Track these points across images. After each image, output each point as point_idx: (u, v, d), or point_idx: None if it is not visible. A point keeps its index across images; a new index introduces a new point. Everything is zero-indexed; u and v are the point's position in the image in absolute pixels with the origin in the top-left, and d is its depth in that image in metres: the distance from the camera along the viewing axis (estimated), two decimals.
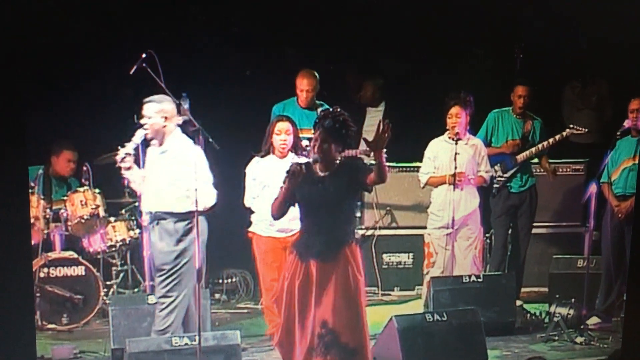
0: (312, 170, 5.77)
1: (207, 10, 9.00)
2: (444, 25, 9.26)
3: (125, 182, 7.26)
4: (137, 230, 7.79)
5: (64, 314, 7.90)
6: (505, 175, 8.49)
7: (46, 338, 7.58)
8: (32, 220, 7.76)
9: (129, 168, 6.64)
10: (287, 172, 5.73)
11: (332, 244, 5.72)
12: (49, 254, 7.99)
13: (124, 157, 6.58)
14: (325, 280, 5.67)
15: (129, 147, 6.60)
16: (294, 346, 5.75)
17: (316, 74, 8.33)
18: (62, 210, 8.07)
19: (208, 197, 6.57)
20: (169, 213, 6.57)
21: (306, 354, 5.68)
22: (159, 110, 6.60)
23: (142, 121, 6.62)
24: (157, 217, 6.60)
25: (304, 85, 8.29)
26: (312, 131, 5.86)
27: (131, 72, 6.89)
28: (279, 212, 5.88)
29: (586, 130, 8.50)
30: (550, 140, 8.44)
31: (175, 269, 6.57)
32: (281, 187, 5.81)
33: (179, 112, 8.05)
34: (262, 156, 7.40)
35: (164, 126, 6.62)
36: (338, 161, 5.75)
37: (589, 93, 9.99)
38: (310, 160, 5.74)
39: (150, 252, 6.73)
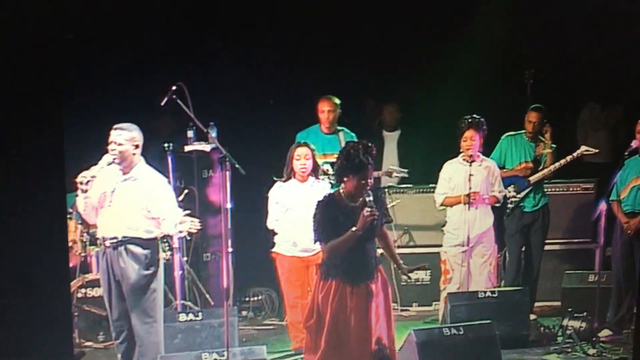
0: (343, 201, 5.92)
1: (231, 47, 9.26)
2: (456, 51, 9.48)
3: (76, 208, 7.13)
4: (169, 252, 7.96)
5: (100, 332, 8.08)
6: (518, 195, 8.62)
7: (83, 355, 7.79)
8: (70, 244, 8.02)
9: (85, 191, 6.51)
10: (360, 228, 5.80)
11: (371, 264, 5.97)
12: (86, 275, 8.16)
13: (89, 181, 6.47)
14: (370, 299, 5.88)
15: (95, 170, 6.51)
16: None
17: (337, 99, 8.61)
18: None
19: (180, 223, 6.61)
20: (137, 239, 6.59)
21: None
22: (130, 138, 6.58)
23: (110, 147, 6.56)
24: (124, 243, 6.58)
25: (325, 106, 8.58)
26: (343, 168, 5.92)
27: (162, 104, 7.13)
28: (337, 252, 5.94)
29: (597, 150, 8.63)
30: (562, 161, 8.57)
31: (149, 292, 6.61)
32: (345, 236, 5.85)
33: (208, 140, 8.33)
34: (284, 181, 7.66)
35: (134, 154, 6.62)
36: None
37: (607, 114, 10.16)
38: (369, 199, 5.80)
39: (111, 278, 6.68)
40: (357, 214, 5.85)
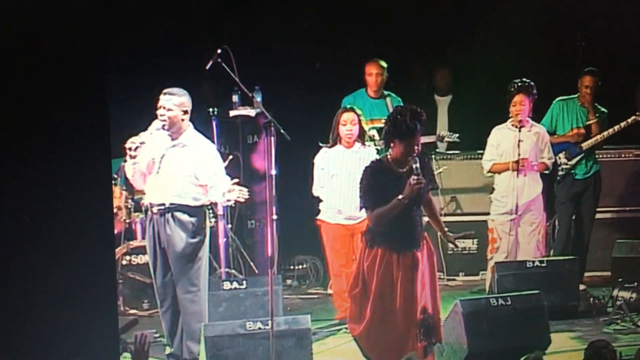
0: (391, 166, 5.86)
1: (278, 7, 9.21)
2: (505, 13, 9.33)
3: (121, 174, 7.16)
4: (213, 219, 7.66)
5: (144, 300, 8.10)
6: (570, 162, 8.51)
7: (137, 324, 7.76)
8: (114, 211, 8.03)
9: (134, 157, 6.50)
10: (407, 196, 5.73)
11: (417, 232, 5.94)
12: (131, 242, 8.19)
13: (137, 147, 6.46)
14: (416, 268, 5.85)
15: (144, 136, 6.49)
16: (381, 337, 5.89)
17: (383, 62, 8.51)
18: (143, 200, 8.09)
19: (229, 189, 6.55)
20: (185, 206, 6.54)
21: (403, 342, 5.84)
22: (179, 104, 6.51)
23: (159, 112, 6.50)
24: (171, 210, 6.54)
25: (372, 69, 8.46)
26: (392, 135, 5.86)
27: (207, 67, 7.10)
28: (383, 221, 5.88)
29: None
30: (616, 127, 8.45)
31: (194, 261, 6.58)
32: (392, 204, 5.77)
33: (253, 105, 8.31)
34: (330, 146, 7.60)
35: (183, 120, 6.55)
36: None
37: None
38: (416, 166, 5.74)
39: (157, 245, 6.66)
40: (404, 180, 5.79)
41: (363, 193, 5.88)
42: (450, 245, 6.48)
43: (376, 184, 5.83)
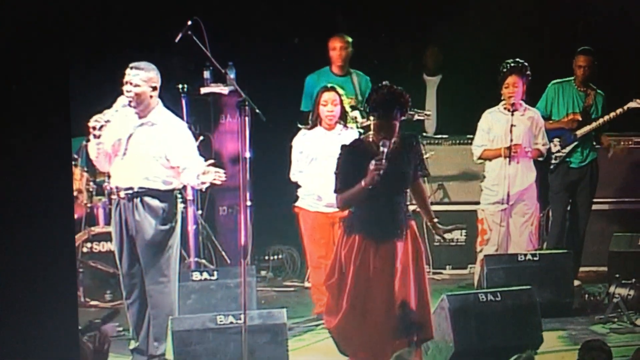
0: (371, 146, 5.66)
1: None
2: None
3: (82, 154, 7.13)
4: (182, 205, 7.54)
5: (107, 291, 7.94)
6: (564, 150, 8.35)
7: (89, 315, 7.33)
8: (75, 194, 7.79)
9: (98, 137, 6.26)
10: (368, 183, 5.53)
11: (399, 220, 5.73)
12: (92, 228, 7.99)
13: (102, 125, 6.21)
14: (397, 258, 5.66)
15: (109, 114, 6.25)
16: (358, 331, 5.72)
17: (348, 37, 8.45)
18: (106, 183, 8.02)
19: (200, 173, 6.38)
20: (155, 190, 6.35)
21: (381, 338, 5.65)
22: (147, 79, 6.28)
23: (125, 88, 6.28)
24: (140, 194, 6.34)
25: (337, 42, 8.46)
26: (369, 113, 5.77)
27: (177, 40, 6.98)
28: (348, 206, 5.78)
29: None
30: (612, 114, 8.29)
31: (165, 249, 6.41)
32: (359, 185, 5.59)
33: (225, 82, 8.14)
34: (309, 128, 7.42)
35: (151, 96, 6.32)
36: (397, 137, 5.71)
37: None
38: (386, 149, 5.54)
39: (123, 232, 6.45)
40: (387, 158, 5.60)
41: (338, 171, 5.74)
42: (438, 237, 6.32)
43: (352, 164, 5.67)
